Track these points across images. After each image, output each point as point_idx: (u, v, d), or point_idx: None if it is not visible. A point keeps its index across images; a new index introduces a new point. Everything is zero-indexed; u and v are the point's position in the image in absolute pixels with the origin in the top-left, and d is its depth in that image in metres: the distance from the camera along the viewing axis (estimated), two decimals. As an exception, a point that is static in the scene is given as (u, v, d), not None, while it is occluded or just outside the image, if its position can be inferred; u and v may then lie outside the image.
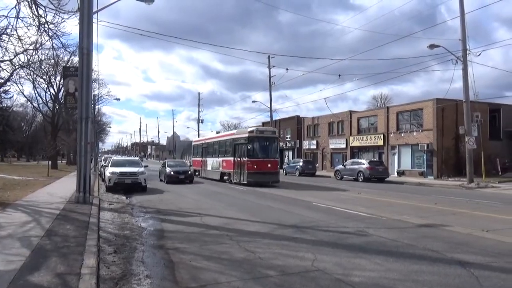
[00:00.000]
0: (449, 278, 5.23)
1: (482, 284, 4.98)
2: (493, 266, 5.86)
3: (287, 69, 36.69)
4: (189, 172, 24.87)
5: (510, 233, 8.49)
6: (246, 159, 22.36)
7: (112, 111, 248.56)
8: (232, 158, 24.00)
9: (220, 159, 26.43)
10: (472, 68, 22.67)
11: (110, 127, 74.07)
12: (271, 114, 41.16)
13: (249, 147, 22.26)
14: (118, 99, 60.04)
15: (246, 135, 22.89)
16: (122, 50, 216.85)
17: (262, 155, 22.50)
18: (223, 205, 13.35)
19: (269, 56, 39.64)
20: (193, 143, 37.08)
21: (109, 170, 18.79)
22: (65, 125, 50.41)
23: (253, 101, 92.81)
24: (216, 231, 8.61)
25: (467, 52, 23.29)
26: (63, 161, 62.12)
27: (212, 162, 28.44)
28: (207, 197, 16.13)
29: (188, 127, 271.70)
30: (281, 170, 33.10)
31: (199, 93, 77.28)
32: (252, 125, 68.32)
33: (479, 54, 23.07)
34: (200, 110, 70.86)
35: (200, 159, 31.66)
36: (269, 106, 40.93)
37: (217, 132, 31.38)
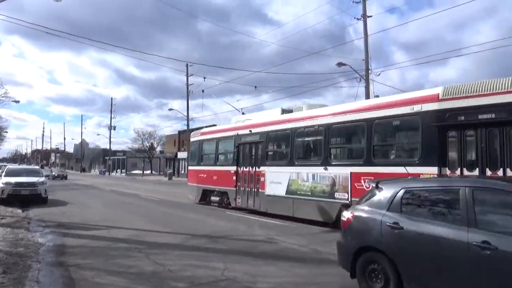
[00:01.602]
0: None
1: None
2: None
3: (204, 78, 36.10)
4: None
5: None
6: None
7: (10, 114, 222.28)
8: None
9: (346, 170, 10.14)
10: (373, 86, 24.87)
11: (7, 132, 66.15)
12: (187, 122, 40.66)
13: None
14: (17, 102, 54.10)
15: None
16: (24, 48, 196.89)
17: None
18: (134, 216, 12.76)
19: (187, 64, 39.17)
20: (197, 137, 18.46)
21: (2, 180, 16.80)
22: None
23: (170, 109, 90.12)
24: (124, 244, 8.21)
25: (369, 71, 25.73)
26: None
27: (294, 179, 11.73)
28: (115, 208, 15.25)
29: (98, 134, 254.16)
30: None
31: (111, 98, 71.61)
32: (167, 133, 64.65)
33: (379, 74, 25.51)
34: (112, 116, 67.58)
35: (234, 169, 14.49)
36: (186, 114, 40.44)
37: (284, 111, 13.82)
